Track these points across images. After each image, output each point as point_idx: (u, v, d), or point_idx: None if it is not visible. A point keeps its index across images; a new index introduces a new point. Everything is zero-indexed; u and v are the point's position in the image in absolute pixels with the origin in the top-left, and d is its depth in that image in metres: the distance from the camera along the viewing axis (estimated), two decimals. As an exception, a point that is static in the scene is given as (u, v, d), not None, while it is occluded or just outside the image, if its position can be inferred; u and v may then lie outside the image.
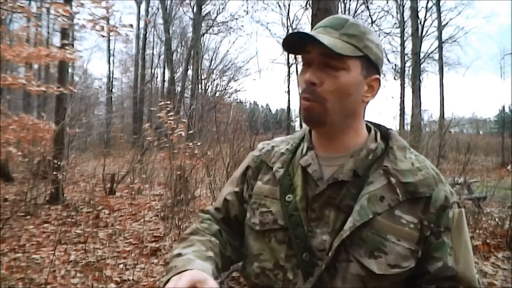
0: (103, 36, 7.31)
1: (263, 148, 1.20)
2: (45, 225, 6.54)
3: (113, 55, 27.38)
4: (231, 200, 1.18)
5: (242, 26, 29.77)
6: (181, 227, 5.98)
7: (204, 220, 1.19)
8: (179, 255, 1.01)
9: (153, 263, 4.89)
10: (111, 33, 7.32)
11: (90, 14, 6.76)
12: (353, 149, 1.04)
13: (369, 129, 1.09)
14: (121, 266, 4.79)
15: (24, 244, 5.45)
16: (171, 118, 7.05)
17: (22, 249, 5.24)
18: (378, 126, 1.12)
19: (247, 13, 30.59)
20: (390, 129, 1.10)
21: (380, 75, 1.04)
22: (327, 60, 0.97)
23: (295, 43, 0.99)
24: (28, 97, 19.05)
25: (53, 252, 4.70)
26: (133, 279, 4.36)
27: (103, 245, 5.54)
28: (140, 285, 4.27)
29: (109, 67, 27.14)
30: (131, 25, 7.69)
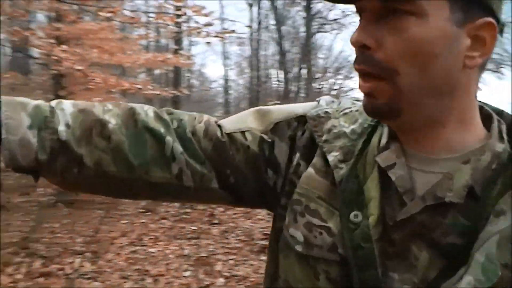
0: (208, 43, 7.57)
1: (317, 108, 0.74)
2: (163, 221, 6.87)
3: (228, 58, 27.38)
4: (246, 142, 0.74)
5: (354, 22, 29.16)
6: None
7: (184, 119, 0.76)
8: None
9: (261, 260, 4.89)
10: (226, 36, 7.51)
11: (196, 22, 7.03)
12: (467, 150, 0.61)
13: (487, 117, 0.66)
14: (231, 262, 4.87)
15: (142, 238, 5.77)
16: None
17: (140, 243, 5.55)
18: (500, 114, 0.68)
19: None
20: None
21: (495, 16, 0.59)
22: (387, 4, 0.57)
23: None
24: (149, 102, 20.54)
25: (168, 246, 4.92)
26: (241, 275, 4.40)
27: (215, 241, 5.68)
28: (248, 281, 4.30)
29: (225, 69, 27.73)
30: (250, 26, 7.81)
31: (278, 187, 0.74)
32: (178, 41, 8.60)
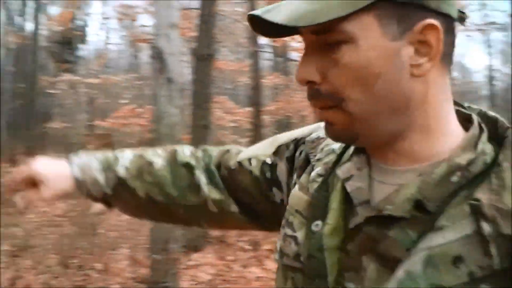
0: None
1: (318, 131, 0.77)
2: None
3: (491, 46, 20.53)
4: (250, 167, 0.86)
5: None
6: None
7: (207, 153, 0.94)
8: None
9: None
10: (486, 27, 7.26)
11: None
12: (434, 160, 0.58)
13: (467, 122, 0.61)
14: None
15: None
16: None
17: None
18: (494, 120, 0.61)
19: None
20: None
21: (440, 13, 0.55)
22: (319, 37, 0.57)
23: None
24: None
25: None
26: None
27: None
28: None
29: (488, 58, 21.34)
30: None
31: (284, 204, 0.77)
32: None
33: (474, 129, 0.59)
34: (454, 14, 0.57)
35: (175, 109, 3.57)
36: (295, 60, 10.29)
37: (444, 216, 0.53)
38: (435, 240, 0.52)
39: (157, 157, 0.92)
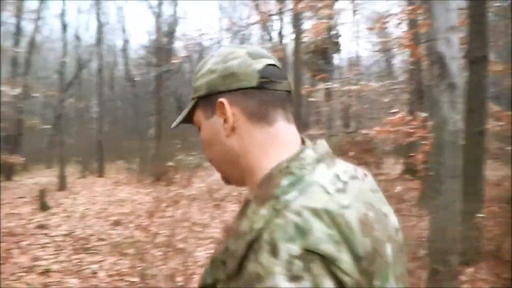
0: None
1: None
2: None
3: None
4: None
5: None
6: None
7: None
8: None
9: None
10: None
11: None
12: None
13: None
14: None
15: None
16: None
17: None
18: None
19: None
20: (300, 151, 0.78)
21: (224, 93, 0.82)
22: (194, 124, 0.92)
23: None
24: None
25: None
26: None
27: None
28: None
29: None
30: None
31: None
32: None
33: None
34: (250, 84, 0.81)
35: (457, 115, 3.43)
36: None
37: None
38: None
39: None
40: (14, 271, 5.14)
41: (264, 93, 0.81)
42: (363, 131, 9.64)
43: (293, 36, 14.33)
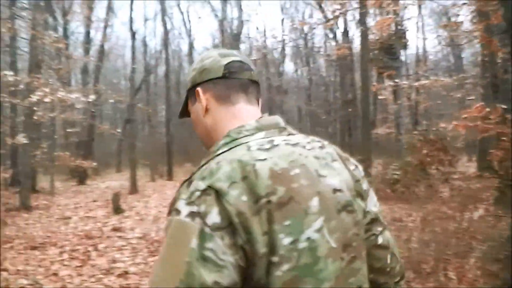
0: None
1: None
2: None
3: None
4: None
5: None
6: None
7: None
8: None
9: None
10: None
11: None
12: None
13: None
14: None
15: None
16: None
17: None
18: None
19: None
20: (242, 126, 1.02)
21: (200, 84, 1.08)
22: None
23: None
24: None
25: None
26: None
27: None
28: None
29: None
30: None
31: None
32: None
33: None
34: (216, 75, 1.06)
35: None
36: None
37: None
38: None
39: None
40: (94, 273, 5.34)
41: (229, 81, 1.06)
42: (442, 124, 9.20)
43: (359, 34, 13.99)
